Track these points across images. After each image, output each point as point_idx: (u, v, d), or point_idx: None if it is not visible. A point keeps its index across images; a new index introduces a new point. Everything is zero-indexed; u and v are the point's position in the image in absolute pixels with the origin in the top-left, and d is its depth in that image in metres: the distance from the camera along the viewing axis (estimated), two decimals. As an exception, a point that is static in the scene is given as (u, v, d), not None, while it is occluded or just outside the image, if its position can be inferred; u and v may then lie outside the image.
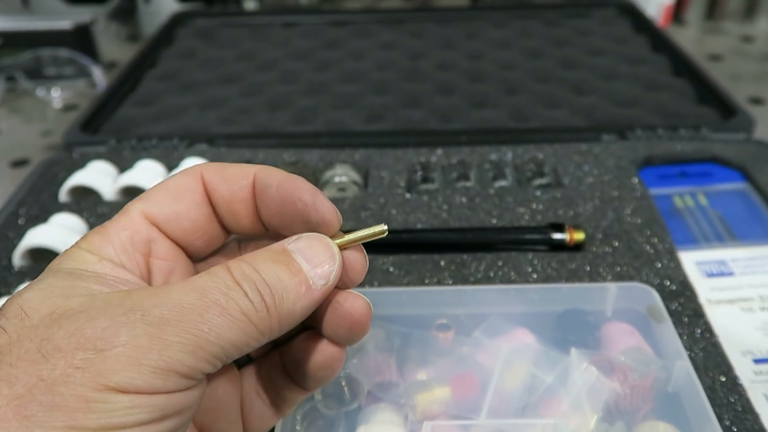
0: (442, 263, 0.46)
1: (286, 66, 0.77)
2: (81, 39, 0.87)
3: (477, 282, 0.44)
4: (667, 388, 0.35)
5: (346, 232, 0.25)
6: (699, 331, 0.40)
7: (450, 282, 0.44)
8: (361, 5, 1.10)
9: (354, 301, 0.25)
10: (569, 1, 0.90)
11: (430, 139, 0.61)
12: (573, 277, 0.44)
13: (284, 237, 0.24)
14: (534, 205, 0.51)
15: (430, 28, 0.85)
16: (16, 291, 0.22)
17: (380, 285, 0.44)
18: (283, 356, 0.27)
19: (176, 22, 0.88)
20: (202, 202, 0.25)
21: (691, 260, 0.46)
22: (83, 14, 0.90)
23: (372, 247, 0.46)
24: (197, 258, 0.27)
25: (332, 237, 0.25)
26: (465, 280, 0.44)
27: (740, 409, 0.35)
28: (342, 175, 0.54)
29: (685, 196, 0.54)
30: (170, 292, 0.21)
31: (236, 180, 0.25)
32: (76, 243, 0.24)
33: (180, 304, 0.20)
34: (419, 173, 0.56)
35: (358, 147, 0.58)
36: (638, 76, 0.71)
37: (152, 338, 0.19)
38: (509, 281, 0.44)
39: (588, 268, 0.45)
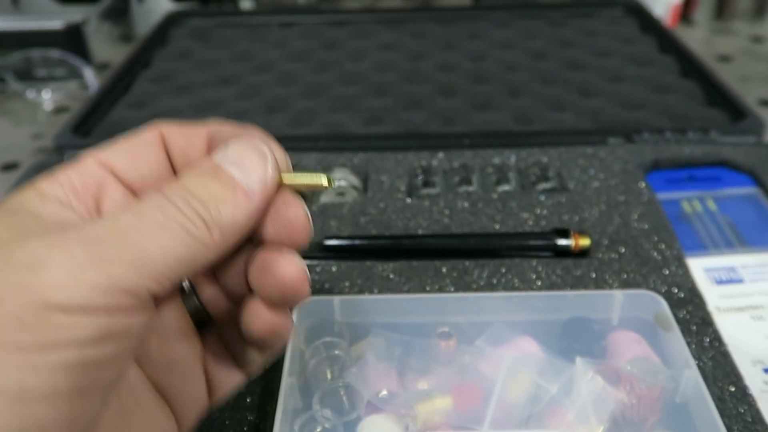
0: (444, 270, 0.46)
1: (284, 67, 0.77)
2: (72, 39, 0.88)
3: (479, 289, 0.44)
4: (675, 398, 0.35)
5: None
6: (708, 339, 0.40)
7: (452, 289, 0.44)
8: (361, 5, 1.11)
9: (285, 264, 0.24)
10: (574, 1, 0.91)
11: (432, 143, 0.61)
12: (578, 284, 0.44)
13: None
14: (538, 211, 0.51)
15: (431, 29, 0.86)
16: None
17: (380, 292, 0.44)
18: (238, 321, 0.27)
19: (170, 22, 0.89)
20: (158, 150, 0.26)
21: (699, 267, 0.47)
22: (75, 14, 0.91)
23: (371, 253, 0.47)
24: None
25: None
26: (467, 287, 0.44)
27: (750, 420, 0.35)
28: (341, 179, 0.55)
29: (693, 201, 0.54)
30: (105, 217, 0.21)
31: (193, 132, 0.26)
32: (27, 187, 0.24)
33: (116, 224, 0.20)
34: (420, 177, 0.56)
35: (357, 150, 0.59)
36: (645, 77, 0.71)
37: (91, 255, 0.19)
38: (512, 288, 0.44)
39: (594, 275, 0.45)
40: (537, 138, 0.61)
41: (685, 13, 1.01)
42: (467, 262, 0.46)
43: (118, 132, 0.67)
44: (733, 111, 0.63)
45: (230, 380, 0.28)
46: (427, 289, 0.44)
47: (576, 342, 0.38)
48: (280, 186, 0.24)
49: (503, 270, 0.46)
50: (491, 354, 0.36)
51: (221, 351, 0.28)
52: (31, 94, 0.84)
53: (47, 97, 0.84)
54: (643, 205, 0.51)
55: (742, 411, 0.36)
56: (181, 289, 0.27)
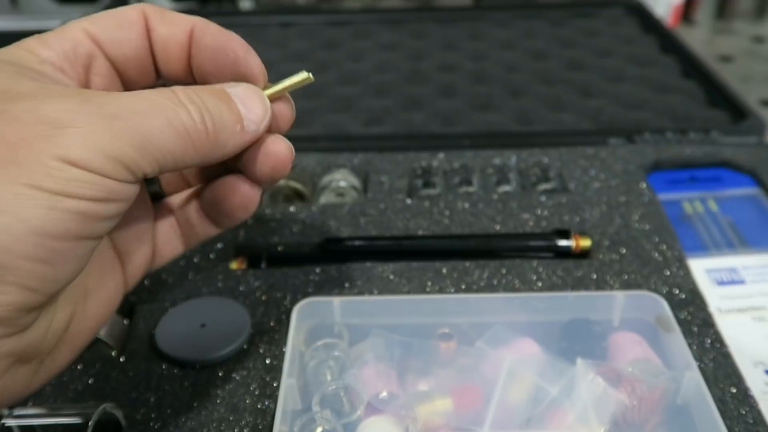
0: (444, 271, 0.46)
1: (283, 68, 0.77)
2: (71, 39, 0.88)
3: (480, 290, 0.44)
4: (676, 399, 0.35)
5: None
6: (709, 341, 0.40)
7: (452, 290, 0.44)
8: (361, 5, 1.11)
9: (279, 144, 0.29)
10: (575, 1, 0.91)
11: (432, 143, 0.61)
12: (579, 285, 0.44)
13: None
14: (539, 211, 0.51)
15: (431, 29, 0.86)
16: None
17: (380, 293, 0.44)
18: (202, 195, 0.31)
19: (169, 22, 0.89)
20: (142, 34, 0.28)
21: (700, 268, 0.47)
22: (73, 14, 0.91)
23: (371, 254, 0.47)
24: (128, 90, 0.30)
25: (262, 89, 0.28)
26: (467, 289, 0.45)
27: (751, 422, 0.35)
28: (340, 179, 0.55)
29: (694, 202, 0.54)
30: (120, 96, 0.23)
31: (176, 23, 0.28)
32: (13, 44, 0.26)
33: (131, 106, 0.23)
34: (420, 178, 0.56)
35: (357, 151, 0.59)
36: (646, 77, 0.71)
37: (106, 128, 0.22)
38: (513, 289, 0.44)
39: (594, 276, 0.45)
40: (538, 138, 0.61)
41: (686, 13, 1.01)
42: (467, 263, 0.46)
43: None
44: (735, 111, 0.63)
45: (172, 249, 0.32)
46: (427, 290, 0.45)
47: (577, 343, 0.38)
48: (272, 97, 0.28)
49: (504, 271, 0.46)
50: (491, 355, 0.37)
51: (169, 222, 0.32)
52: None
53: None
54: (644, 205, 0.51)
55: (744, 413, 0.36)
56: None
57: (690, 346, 0.39)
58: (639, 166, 0.56)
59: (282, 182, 0.54)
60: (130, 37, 0.28)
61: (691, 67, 0.72)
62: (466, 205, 0.52)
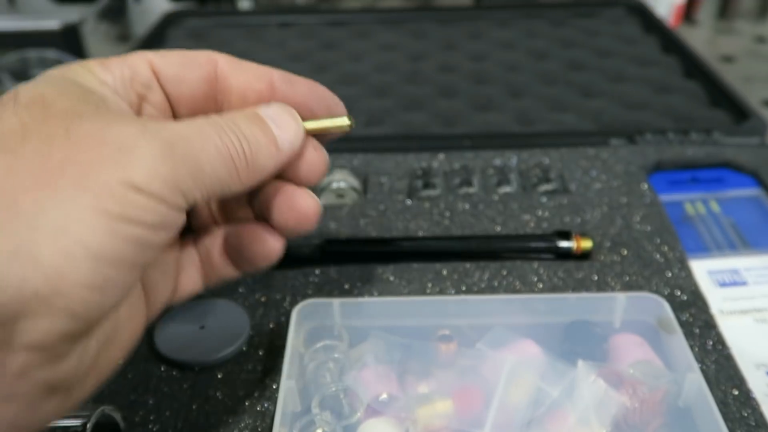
0: (444, 272, 0.46)
1: (282, 68, 0.77)
2: (69, 39, 0.88)
3: (480, 292, 0.44)
4: (678, 402, 0.35)
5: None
6: (711, 342, 0.40)
7: (452, 292, 0.44)
8: (360, 5, 1.11)
9: (306, 199, 0.29)
10: (576, 1, 0.91)
11: (432, 144, 0.61)
12: (580, 286, 0.44)
13: None
14: (539, 212, 0.51)
15: (431, 29, 0.86)
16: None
17: (380, 294, 0.44)
18: (226, 237, 0.32)
19: (168, 22, 0.89)
20: (205, 78, 0.29)
21: (702, 269, 0.47)
22: (71, 14, 0.91)
23: (371, 256, 0.47)
24: None
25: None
26: (468, 290, 0.45)
27: (753, 424, 0.36)
28: (340, 180, 0.55)
29: (696, 203, 0.54)
30: (174, 124, 0.24)
31: (255, 75, 0.30)
32: (75, 63, 0.26)
33: (184, 133, 0.24)
34: (420, 179, 0.56)
35: (356, 152, 0.59)
36: (648, 78, 0.71)
37: (165, 153, 0.23)
38: (514, 291, 0.44)
39: (596, 278, 0.45)
40: (538, 139, 0.61)
41: (688, 13, 1.01)
42: (468, 265, 0.46)
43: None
44: (737, 112, 0.63)
45: (192, 285, 0.32)
46: (428, 291, 0.45)
47: (578, 345, 0.38)
48: (306, 133, 0.29)
49: (504, 272, 0.46)
50: (492, 357, 0.37)
51: (192, 258, 0.32)
52: (27, 94, 0.84)
53: (43, 98, 0.84)
54: (645, 206, 0.51)
55: (746, 415, 0.36)
56: None
57: (692, 347, 0.39)
58: (640, 167, 0.56)
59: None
60: (192, 78, 0.29)
61: (693, 67, 0.72)
62: (467, 206, 0.52)
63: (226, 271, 0.32)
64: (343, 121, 0.29)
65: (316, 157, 0.29)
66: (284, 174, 0.29)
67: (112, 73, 0.26)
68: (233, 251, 0.32)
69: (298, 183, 0.30)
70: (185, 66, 0.28)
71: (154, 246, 0.23)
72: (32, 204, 0.20)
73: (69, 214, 0.20)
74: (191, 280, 0.32)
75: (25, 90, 0.23)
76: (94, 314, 0.22)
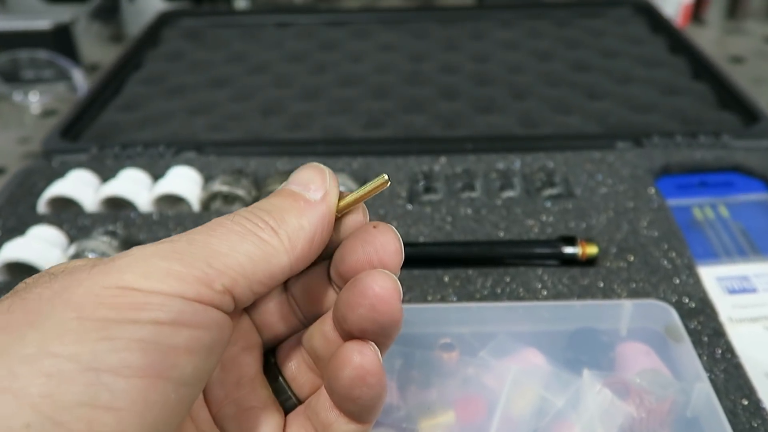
0: (446, 279, 0.46)
1: (280, 69, 0.78)
2: (61, 39, 0.88)
3: (483, 299, 0.45)
4: (686, 412, 0.35)
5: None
6: (720, 351, 0.40)
7: (454, 299, 0.45)
8: (360, 4, 1.11)
9: (376, 277, 0.24)
10: (581, 0, 0.91)
11: (433, 147, 0.61)
12: (585, 293, 0.45)
13: None
14: (544, 217, 0.51)
15: (432, 29, 0.86)
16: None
17: (380, 302, 0.44)
18: (325, 382, 0.26)
19: (162, 21, 0.89)
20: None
21: (711, 276, 0.47)
22: (63, 13, 0.91)
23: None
24: None
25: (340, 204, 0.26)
26: (470, 297, 0.45)
27: (764, 435, 0.36)
28: (340, 184, 0.55)
29: (704, 208, 0.54)
30: (178, 235, 0.23)
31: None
32: None
33: (188, 234, 0.22)
34: (421, 183, 0.56)
35: (356, 155, 0.59)
36: (655, 79, 0.72)
37: (164, 250, 0.21)
38: (517, 298, 0.45)
39: (601, 284, 0.45)
40: (542, 142, 0.62)
41: (696, 13, 1.02)
42: (470, 271, 0.47)
43: (108, 136, 0.67)
44: (746, 114, 0.64)
45: None
46: (429, 298, 0.45)
47: (583, 354, 0.39)
48: (350, 207, 0.27)
49: (507, 279, 0.46)
50: (495, 366, 0.37)
51: (305, 427, 0.27)
52: (17, 96, 0.85)
53: (35, 100, 0.84)
54: (652, 211, 0.51)
55: (756, 425, 0.36)
56: (266, 367, 0.27)
57: (700, 356, 0.39)
58: (647, 171, 0.56)
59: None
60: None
61: (702, 68, 0.73)
62: (469, 210, 0.52)
63: (347, 428, 0.26)
64: (380, 181, 0.26)
65: (354, 219, 0.27)
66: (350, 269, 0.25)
67: None
68: (331, 393, 0.25)
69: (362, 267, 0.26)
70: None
71: (178, 348, 0.20)
72: (6, 338, 0.19)
73: (48, 332, 0.18)
74: None
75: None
76: None
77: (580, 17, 0.88)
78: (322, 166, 0.26)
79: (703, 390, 0.35)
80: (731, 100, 0.66)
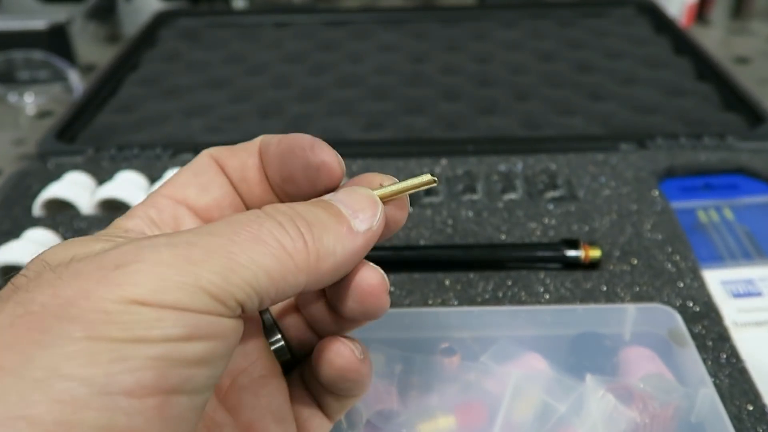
0: (447, 282, 0.46)
1: (278, 69, 0.78)
2: (56, 40, 0.88)
3: (484, 303, 0.45)
4: (690, 417, 0.35)
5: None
6: (724, 356, 0.40)
7: (455, 303, 0.45)
8: (359, 4, 1.12)
9: (366, 271, 0.25)
10: (584, 0, 0.91)
11: (434, 149, 0.61)
12: (588, 297, 0.45)
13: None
14: (546, 220, 0.51)
15: (433, 29, 0.87)
16: None
17: (380, 306, 0.44)
18: (310, 364, 0.28)
19: (159, 22, 0.90)
20: (217, 171, 0.28)
21: (716, 279, 0.47)
22: (59, 13, 0.92)
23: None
24: None
25: (375, 189, 0.26)
26: (471, 301, 0.45)
27: (769, 441, 0.36)
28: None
29: (709, 210, 0.54)
30: (196, 227, 0.22)
31: (243, 149, 0.28)
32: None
33: (208, 231, 0.21)
34: (422, 185, 0.56)
35: (356, 157, 0.59)
36: (659, 80, 0.72)
37: (177, 257, 0.20)
38: (519, 302, 0.45)
39: (604, 288, 0.45)
40: (545, 144, 0.62)
41: (700, 13, 1.02)
42: (471, 275, 0.47)
43: (104, 138, 0.67)
44: (751, 115, 0.64)
45: (319, 427, 0.28)
46: (430, 302, 0.45)
47: (586, 358, 0.39)
48: (388, 198, 0.26)
49: (509, 283, 0.46)
50: (497, 371, 0.37)
51: (306, 395, 0.28)
52: (12, 97, 0.85)
53: (30, 101, 0.85)
54: (656, 214, 0.51)
55: (761, 431, 0.36)
56: (264, 328, 0.28)
57: (704, 361, 0.39)
58: (651, 173, 0.56)
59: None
60: (211, 179, 0.27)
61: (706, 68, 0.73)
62: (470, 213, 0.52)
63: (336, 402, 0.28)
64: (426, 179, 0.25)
65: (395, 212, 0.26)
66: None
67: (138, 216, 0.26)
68: (318, 375, 0.27)
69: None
70: (199, 177, 0.27)
71: (194, 361, 0.20)
72: (14, 357, 0.18)
73: (57, 353, 0.18)
74: (314, 421, 0.28)
75: (32, 260, 0.22)
76: None
77: (583, 17, 0.88)
78: (377, 198, 0.25)
79: (707, 395, 0.35)
80: (736, 101, 0.66)
